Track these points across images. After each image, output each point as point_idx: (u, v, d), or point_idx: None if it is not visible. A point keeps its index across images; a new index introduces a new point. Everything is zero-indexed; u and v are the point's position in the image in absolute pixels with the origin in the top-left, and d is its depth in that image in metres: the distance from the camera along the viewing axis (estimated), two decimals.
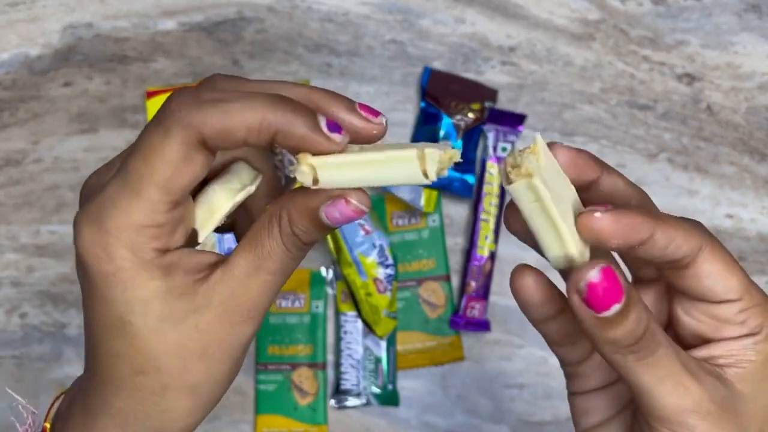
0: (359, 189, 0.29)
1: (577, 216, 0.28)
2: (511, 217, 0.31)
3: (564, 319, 0.33)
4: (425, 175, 0.28)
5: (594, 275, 0.27)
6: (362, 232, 0.69)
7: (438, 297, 0.70)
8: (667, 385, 0.28)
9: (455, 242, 0.71)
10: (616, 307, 0.27)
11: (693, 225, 0.30)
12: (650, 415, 0.29)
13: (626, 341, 0.28)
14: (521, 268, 0.32)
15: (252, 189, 0.32)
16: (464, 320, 0.69)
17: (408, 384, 0.70)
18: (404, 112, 0.72)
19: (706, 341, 0.31)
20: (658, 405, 0.29)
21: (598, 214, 0.28)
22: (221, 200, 0.31)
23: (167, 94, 0.73)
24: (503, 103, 0.72)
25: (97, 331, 0.30)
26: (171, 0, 0.72)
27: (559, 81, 0.72)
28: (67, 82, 0.71)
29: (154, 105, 0.70)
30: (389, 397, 0.69)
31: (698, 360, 0.30)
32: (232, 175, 0.32)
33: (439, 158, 0.28)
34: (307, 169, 0.28)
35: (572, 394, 0.35)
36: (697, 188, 0.72)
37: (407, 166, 0.28)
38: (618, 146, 0.72)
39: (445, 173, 0.29)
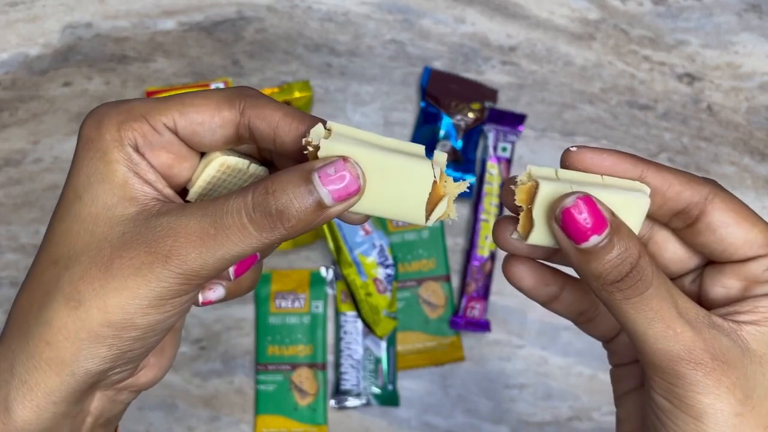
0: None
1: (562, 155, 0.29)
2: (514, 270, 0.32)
3: (569, 298, 0.33)
4: (426, 217, 0.29)
5: (569, 201, 0.27)
6: (362, 232, 0.69)
7: (438, 297, 0.70)
8: (656, 328, 0.27)
9: (455, 242, 0.71)
10: (594, 239, 0.27)
11: (700, 178, 0.29)
12: (644, 363, 0.28)
13: (611, 276, 0.27)
14: (509, 258, 0.32)
15: (255, 168, 0.31)
16: (464, 320, 0.69)
17: (408, 384, 0.70)
18: (404, 112, 0.72)
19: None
20: (648, 350, 0.27)
21: (573, 148, 0.28)
22: (212, 162, 0.30)
23: (167, 94, 0.73)
24: (503, 102, 0.72)
25: (54, 214, 0.29)
26: (170, 0, 0.72)
27: (559, 81, 0.72)
28: (66, 82, 0.71)
29: None
30: (389, 398, 0.69)
31: (706, 312, 0.28)
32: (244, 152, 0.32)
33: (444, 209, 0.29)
34: (322, 130, 0.28)
35: (612, 366, 0.35)
36: None
37: (417, 194, 0.28)
38: (618, 146, 0.72)
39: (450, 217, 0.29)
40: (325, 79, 0.72)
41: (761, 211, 0.72)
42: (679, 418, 0.27)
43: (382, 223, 0.70)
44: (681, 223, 0.30)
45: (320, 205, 0.27)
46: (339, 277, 0.70)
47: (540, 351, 0.69)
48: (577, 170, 0.29)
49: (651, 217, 0.30)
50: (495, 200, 0.70)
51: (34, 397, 0.28)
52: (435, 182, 0.28)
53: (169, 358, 0.34)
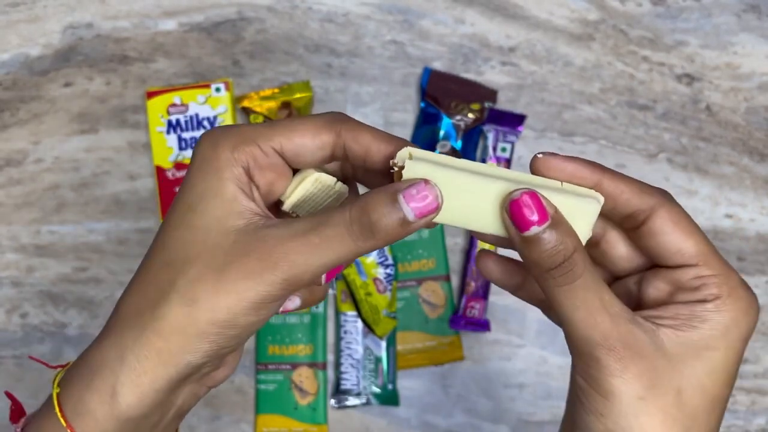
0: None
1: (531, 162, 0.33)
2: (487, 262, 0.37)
3: (531, 287, 0.37)
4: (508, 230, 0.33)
5: (516, 194, 0.31)
6: None
7: (438, 297, 0.70)
8: (580, 315, 0.31)
9: (455, 242, 0.71)
10: (534, 229, 0.31)
11: (653, 188, 0.33)
12: (569, 347, 0.32)
13: (545, 264, 0.31)
14: (481, 253, 0.37)
15: (339, 185, 0.36)
16: (464, 320, 0.69)
17: (408, 384, 0.70)
18: (404, 112, 0.72)
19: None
20: (573, 335, 0.31)
21: (540, 155, 0.32)
22: (308, 178, 0.34)
23: (167, 95, 0.74)
24: (503, 103, 0.72)
25: (165, 224, 0.33)
26: (171, 0, 0.72)
27: (558, 81, 0.73)
28: (67, 82, 0.71)
29: (154, 105, 0.70)
30: (389, 397, 0.69)
31: (629, 310, 0.32)
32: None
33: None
34: (406, 153, 0.32)
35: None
36: (697, 188, 0.72)
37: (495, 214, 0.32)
38: (618, 146, 0.72)
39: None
40: (326, 79, 0.72)
41: (760, 211, 0.72)
42: (592, 396, 0.31)
43: None
44: (630, 226, 0.33)
45: (404, 221, 0.31)
46: (339, 276, 0.70)
47: (540, 351, 0.70)
48: (543, 176, 0.33)
49: (606, 217, 0.34)
50: None
51: (140, 384, 0.31)
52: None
53: (239, 356, 0.37)
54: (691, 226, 0.32)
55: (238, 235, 0.31)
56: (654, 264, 0.34)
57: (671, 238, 0.32)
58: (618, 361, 0.30)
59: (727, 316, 0.31)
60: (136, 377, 0.32)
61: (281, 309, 0.35)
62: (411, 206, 0.30)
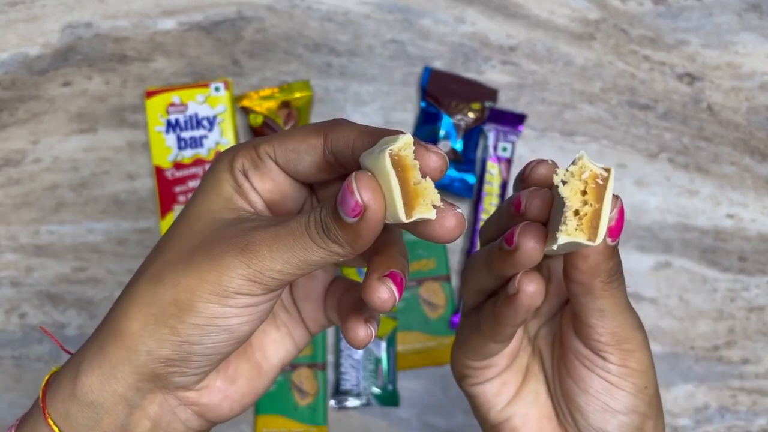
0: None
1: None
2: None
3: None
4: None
5: (619, 204, 0.31)
6: None
7: (438, 297, 0.70)
8: (627, 307, 0.34)
9: (455, 242, 0.71)
10: (618, 239, 0.32)
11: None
12: (605, 334, 0.34)
13: (615, 269, 0.32)
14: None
15: None
16: None
17: (408, 384, 0.70)
18: (404, 111, 0.72)
19: None
20: (617, 323, 0.34)
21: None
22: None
23: (166, 94, 0.73)
24: (503, 102, 0.72)
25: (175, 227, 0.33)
26: (170, 0, 0.72)
27: (559, 81, 0.72)
28: (66, 81, 0.71)
29: (153, 105, 0.69)
30: (389, 398, 0.69)
31: None
32: None
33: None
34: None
35: (478, 384, 0.38)
36: (698, 188, 0.72)
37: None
38: (618, 146, 0.72)
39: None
40: (325, 78, 0.72)
41: (762, 211, 0.71)
42: (631, 375, 0.34)
43: None
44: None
45: (340, 219, 0.28)
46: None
47: None
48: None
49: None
50: (495, 200, 0.70)
51: (101, 365, 0.31)
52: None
53: (240, 392, 0.35)
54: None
55: (222, 225, 0.31)
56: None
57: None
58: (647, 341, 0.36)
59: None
60: (100, 358, 0.31)
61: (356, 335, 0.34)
62: (343, 206, 0.28)
